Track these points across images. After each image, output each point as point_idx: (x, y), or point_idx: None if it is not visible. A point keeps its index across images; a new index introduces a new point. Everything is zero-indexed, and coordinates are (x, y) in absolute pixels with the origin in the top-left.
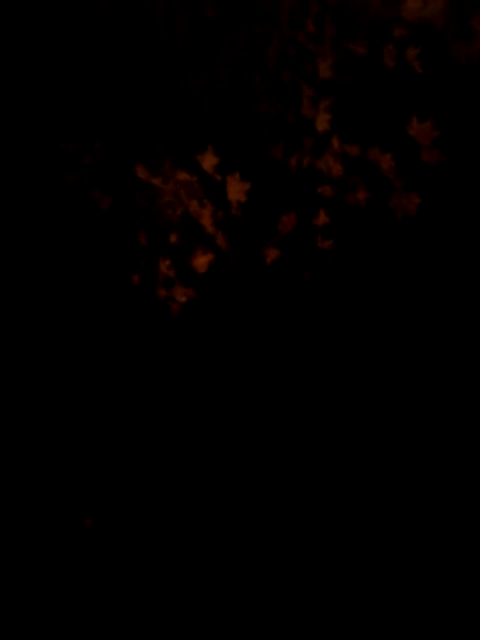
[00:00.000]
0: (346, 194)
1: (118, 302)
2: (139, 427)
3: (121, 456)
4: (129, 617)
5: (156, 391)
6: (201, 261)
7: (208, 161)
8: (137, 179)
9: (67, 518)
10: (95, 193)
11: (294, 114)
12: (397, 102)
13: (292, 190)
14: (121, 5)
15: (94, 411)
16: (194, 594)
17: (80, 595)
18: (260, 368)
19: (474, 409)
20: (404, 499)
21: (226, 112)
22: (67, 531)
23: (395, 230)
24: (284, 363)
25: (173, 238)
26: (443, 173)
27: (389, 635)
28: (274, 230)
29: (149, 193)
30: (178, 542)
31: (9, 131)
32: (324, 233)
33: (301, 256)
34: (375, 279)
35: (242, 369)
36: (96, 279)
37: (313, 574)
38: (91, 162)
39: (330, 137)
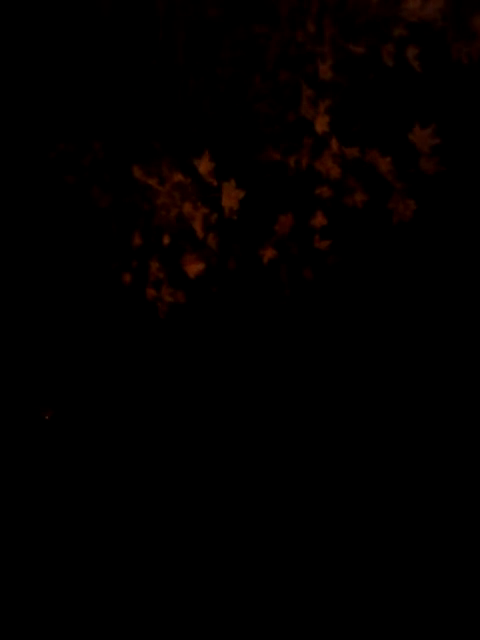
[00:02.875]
0: (344, 196)
1: (109, 301)
2: (129, 425)
3: (111, 453)
4: (129, 615)
5: (142, 390)
6: (192, 268)
7: (204, 165)
8: (136, 179)
9: (64, 521)
10: (94, 192)
11: (293, 115)
12: (397, 103)
13: (290, 191)
14: (122, 6)
15: (83, 404)
16: (194, 591)
17: (82, 592)
18: (251, 370)
19: (467, 402)
20: (403, 497)
21: (226, 112)
22: (65, 531)
23: (391, 234)
24: (277, 363)
25: (166, 240)
26: (441, 179)
27: (389, 635)
28: (271, 231)
29: (147, 193)
30: (172, 541)
31: (9, 131)
32: (321, 234)
33: (298, 257)
34: (370, 281)
35: (231, 371)
36: (91, 277)
37: (312, 572)
38: (91, 162)
39: (329, 139)
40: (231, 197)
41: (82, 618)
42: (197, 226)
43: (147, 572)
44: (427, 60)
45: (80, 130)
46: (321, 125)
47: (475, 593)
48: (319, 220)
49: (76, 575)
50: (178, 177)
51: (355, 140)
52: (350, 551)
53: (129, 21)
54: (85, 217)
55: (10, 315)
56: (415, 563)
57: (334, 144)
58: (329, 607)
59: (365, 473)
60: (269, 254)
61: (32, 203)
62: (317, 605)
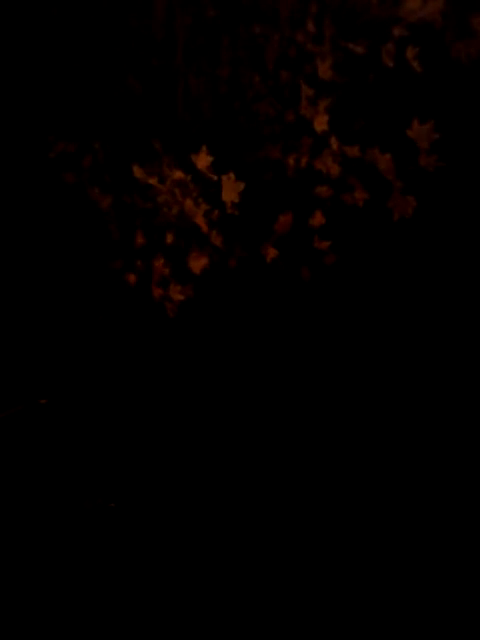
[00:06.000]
0: (344, 195)
1: (114, 301)
2: (136, 427)
3: (119, 456)
4: (128, 615)
5: (151, 391)
6: (197, 263)
7: (202, 161)
8: (136, 179)
9: (63, 521)
10: (94, 193)
11: (293, 114)
12: (397, 102)
13: (290, 190)
14: (121, 5)
15: (91, 410)
16: (194, 593)
17: (79, 595)
18: (256, 368)
19: (469, 405)
20: (404, 499)
21: (225, 112)
22: (64, 532)
23: (392, 232)
24: (281, 362)
25: (169, 238)
26: (441, 176)
27: (389, 635)
28: (271, 230)
29: (148, 192)
30: (175, 541)
31: (9, 131)
32: (321, 233)
33: (298, 256)
34: (371, 279)
35: (238, 369)
36: (93, 278)
37: (312, 573)
38: (91, 162)
39: (329, 137)
40: (231, 190)
41: (79, 616)
42: (200, 221)
43: (145, 570)
44: (427, 60)
45: (80, 130)
46: (320, 124)
47: (475, 593)
48: (318, 219)
49: (72, 572)
50: (178, 174)
51: (355, 139)
52: (350, 550)
53: (129, 21)
54: (85, 217)
55: (10, 321)
56: (416, 563)
57: (334, 143)
58: (329, 607)
59: (365, 471)
60: (271, 253)
61: (32, 203)
62: (317, 604)
